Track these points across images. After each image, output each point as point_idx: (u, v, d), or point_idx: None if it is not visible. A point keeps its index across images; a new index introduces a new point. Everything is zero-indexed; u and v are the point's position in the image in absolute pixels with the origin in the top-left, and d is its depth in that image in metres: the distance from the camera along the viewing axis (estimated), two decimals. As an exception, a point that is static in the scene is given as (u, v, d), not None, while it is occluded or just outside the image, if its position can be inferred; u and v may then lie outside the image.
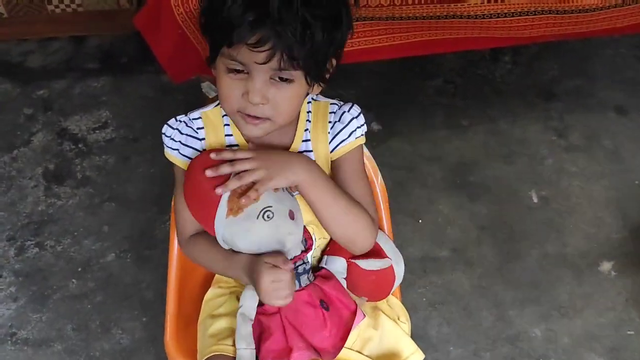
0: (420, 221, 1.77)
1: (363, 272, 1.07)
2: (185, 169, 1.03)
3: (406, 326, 1.15)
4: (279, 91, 0.93)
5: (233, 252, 1.01)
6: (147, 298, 1.60)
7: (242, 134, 1.03)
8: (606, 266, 1.70)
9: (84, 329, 1.55)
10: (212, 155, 0.98)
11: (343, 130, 1.06)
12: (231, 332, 1.07)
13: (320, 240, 1.12)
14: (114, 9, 2.15)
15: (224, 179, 0.96)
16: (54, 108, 2.05)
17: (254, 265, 0.97)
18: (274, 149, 1.05)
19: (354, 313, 1.03)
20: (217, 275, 1.17)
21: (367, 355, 1.07)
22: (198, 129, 1.05)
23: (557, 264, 1.70)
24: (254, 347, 1.01)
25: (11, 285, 1.63)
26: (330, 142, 1.07)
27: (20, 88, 2.11)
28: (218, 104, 1.06)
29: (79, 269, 1.66)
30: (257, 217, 0.95)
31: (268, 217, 0.96)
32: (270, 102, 0.94)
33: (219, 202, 0.96)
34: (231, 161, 0.97)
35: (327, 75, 1.00)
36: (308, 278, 1.04)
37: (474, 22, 1.53)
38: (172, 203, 1.14)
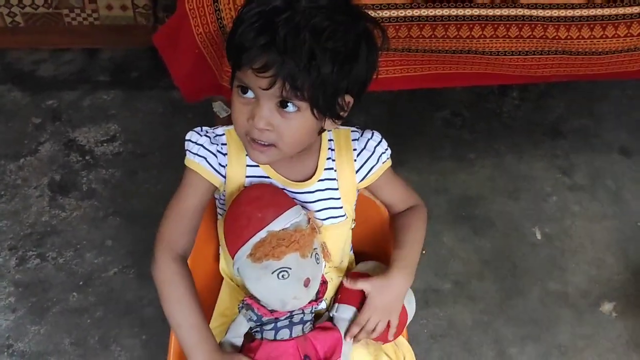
0: (424, 252, 1.76)
1: None
2: (207, 178, 1.03)
3: None
4: (285, 120, 0.93)
5: (208, 330, 0.97)
6: (147, 315, 1.59)
7: (250, 158, 1.01)
8: (607, 307, 1.70)
9: (83, 343, 1.54)
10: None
11: (371, 158, 1.08)
12: None
13: (337, 278, 1.13)
14: (130, 24, 2.17)
15: (265, 221, 0.97)
16: (63, 118, 2.05)
17: None
18: (295, 178, 1.06)
19: None
20: (220, 307, 1.16)
21: None
22: (222, 144, 1.05)
23: (559, 303, 1.70)
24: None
25: (10, 296, 1.61)
26: (358, 171, 1.08)
27: (30, 97, 2.12)
28: None
29: (80, 283, 1.65)
30: (272, 273, 0.96)
31: (283, 277, 0.96)
32: (275, 129, 0.93)
33: (249, 239, 0.97)
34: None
35: (343, 113, 0.97)
36: (302, 329, 1.03)
37: (488, 59, 1.55)
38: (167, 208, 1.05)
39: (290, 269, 0.96)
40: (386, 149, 1.10)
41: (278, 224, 0.97)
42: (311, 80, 0.88)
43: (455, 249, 1.79)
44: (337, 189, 1.08)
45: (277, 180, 1.05)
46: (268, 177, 1.05)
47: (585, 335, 1.64)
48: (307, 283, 0.98)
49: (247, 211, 0.99)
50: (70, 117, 2.06)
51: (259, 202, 1.00)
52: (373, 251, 1.22)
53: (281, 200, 1.02)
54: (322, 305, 1.08)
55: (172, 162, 1.96)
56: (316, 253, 1.00)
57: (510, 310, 1.68)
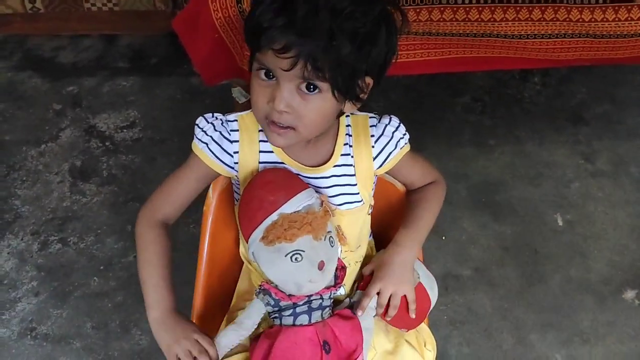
0: (444, 238, 1.76)
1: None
2: (208, 164, 1.05)
3: (431, 354, 1.14)
4: (305, 102, 0.92)
5: (169, 290, 1.02)
6: (167, 300, 1.60)
7: (269, 142, 1.01)
8: (630, 294, 1.68)
9: (104, 327, 1.55)
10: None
11: (389, 144, 1.07)
12: (242, 348, 1.06)
13: (355, 264, 1.12)
14: (150, 10, 2.17)
15: (277, 204, 0.96)
16: (83, 105, 2.06)
17: (171, 327, 0.99)
18: (310, 164, 1.05)
19: None
20: (239, 291, 1.16)
21: None
22: (231, 131, 1.05)
23: (580, 289, 1.68)
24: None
25: (33, 280, 1.63)
26: (376, 157, 1.07)
27: (50, 83, 2.13)
28: None
29: (101, 267, 1.66)
30: (286, 256, 0.95)
31: (296, 259, 0.96)
32: (294, 111, 0.93)
33: (261, 222, 0.97)
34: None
35: (363, 95, 0.98)
36: (322, 315, 1.02)
37: (510, 42, 1.53)
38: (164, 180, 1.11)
39: (304, 251, 0.95)
40: (404, 134, 1.09)
41: (290, 207, 0.97)
42: (331, 60, 0.88)
43: (475, 235, 1.78)
44: (353, 175, 1.07)
45: (291, 165, 1.05)
46: (282, 163, 1.05)
47: (607, 322, 1.62)
48: (321, 266, 0.97)
49: (259, 195, 0.99)
50: (90, 104, 2.07)
51: (271, 185, 1.00)
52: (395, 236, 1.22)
53: (294, 184, 1.01)
54: (341, 291, 1.08)
55: (191, 148, 1.98)
56: (330, 236, 0.99)
57: (530, 297, 1.66)
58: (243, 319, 1.02)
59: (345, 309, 1.06)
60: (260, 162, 1.05)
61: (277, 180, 1.01)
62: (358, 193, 1.08)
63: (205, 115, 1.07)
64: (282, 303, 1.01)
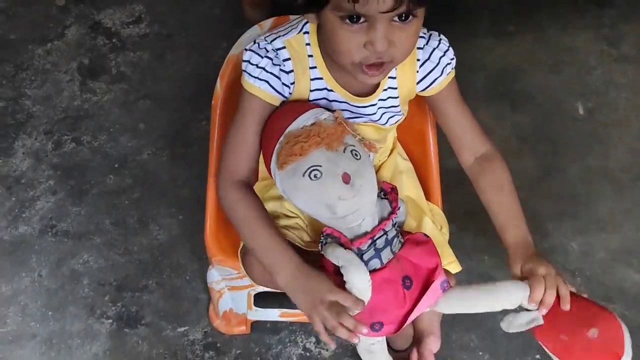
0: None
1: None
2: (269, 102, 0.99)
3: (444, 238, 1.17)
4: (402, 32, 0.89)
5: (283, 246, 0.95)
6: (183, 196, 1.61)
7: (359, 80, 0.96)
8: (649, 182, 1.66)
9: (122, 223, 1.57)
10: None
11: (434, 70, 1.03)
12: (281, 214, 1.07)
13: (384, 157, 1.16)
14: None
15: (284, 127, 0.93)
16: (86, 0, 1.99)
17: (303, 286, 0.91)
18: (358, 91, 1.02)
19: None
20: (262, 172, 1.15)
21: None
22: (284, 60, 0.99)
23: (599, 178, 1.66)
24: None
25: (50, 179, 1.64)
26: (420, 82, 1.04)
27: (51, -23, 2.05)
28: (300, 31, 1.00)
29: (116, 165, 1.66)
30: (303, 175, 0.90)
31: (315, 176, 0.89)
32: (393, 45, 0.90)
33: (273, 152, 0.93)
34: None
35: None
36: (391, 250, 0.94)
37: None
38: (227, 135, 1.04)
39: (320, 166, 0.89)
40: (452, 59, 1.05)
41: (295, 126, 0.93)
42: None
43: (493, 126, 1.74)
44: (397, 97, 1.05)
45: (340, 93, 1.01)
46: (332, 91, 1.01)
47: (625, 209, 1.61)
48: (346, 179, 0.89)
49: (270, 127, 0.97)
50: (94, -1, 2.00)
51: (280, 114, 0.97)
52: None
53: (303, 106, 0.97)
54: (401, 216, 1.02)
55: (200, 42, 1.92)
56: (353, 149, 0.92)
57: (548, 187, 1.65)
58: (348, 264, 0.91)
59: (416, 233, 1.00)
60: (311, 90, 1.01)
61: (287, 108, 0.97)
62: (400, 111, 1.08)
63: (252, 48, 1.00)
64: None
